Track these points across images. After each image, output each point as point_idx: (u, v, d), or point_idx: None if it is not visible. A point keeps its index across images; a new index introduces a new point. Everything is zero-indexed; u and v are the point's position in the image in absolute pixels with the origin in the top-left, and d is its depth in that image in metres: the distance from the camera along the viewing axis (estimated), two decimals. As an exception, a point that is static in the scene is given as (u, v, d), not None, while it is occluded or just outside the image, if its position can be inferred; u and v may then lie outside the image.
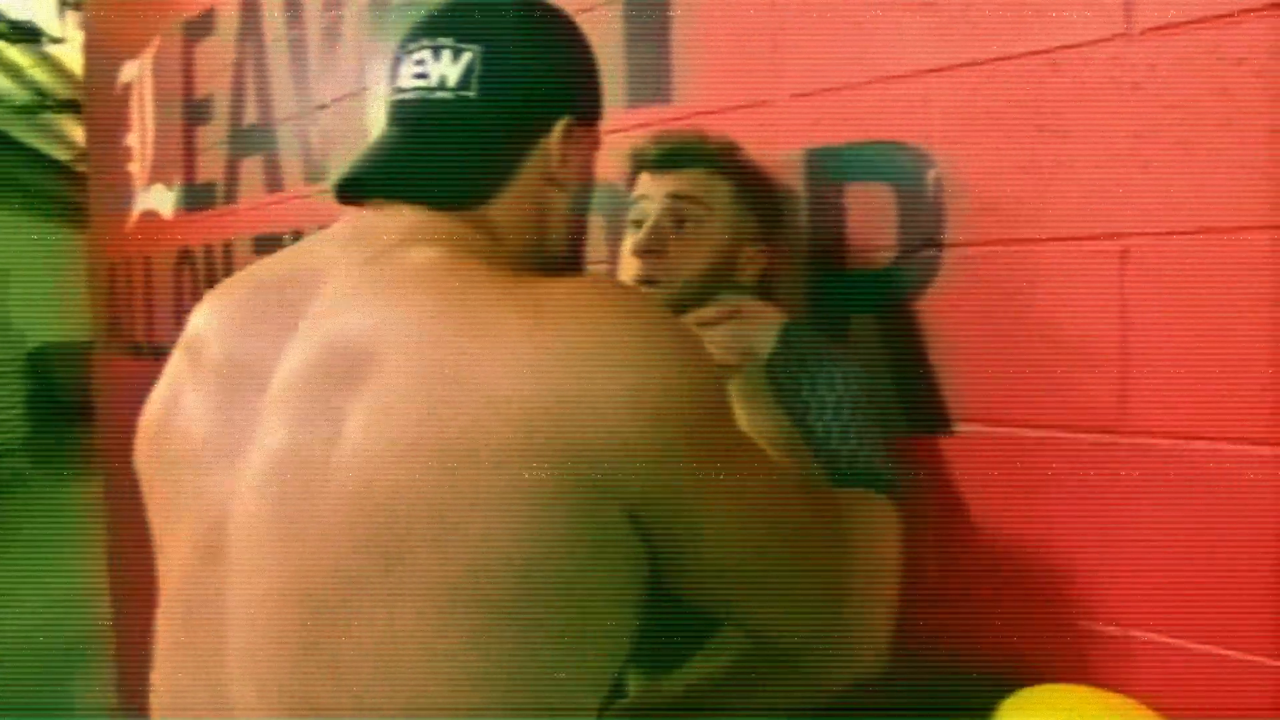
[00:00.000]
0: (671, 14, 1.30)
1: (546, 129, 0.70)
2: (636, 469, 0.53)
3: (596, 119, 0.79)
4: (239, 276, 0.72)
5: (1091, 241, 0.92)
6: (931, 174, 1.02)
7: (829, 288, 1.13)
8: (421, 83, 0.68)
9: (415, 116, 0.69)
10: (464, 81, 0.67)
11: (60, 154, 7.37)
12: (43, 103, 6.41)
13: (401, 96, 0.70)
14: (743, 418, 0.82)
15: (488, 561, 0.50)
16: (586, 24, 0.77)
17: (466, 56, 0.67)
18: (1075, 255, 0.93)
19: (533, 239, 0.71)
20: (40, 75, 6.18)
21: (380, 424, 0.52)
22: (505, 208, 0.69)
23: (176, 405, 0.66)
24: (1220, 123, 0.85)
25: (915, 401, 1.05)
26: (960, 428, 1.02)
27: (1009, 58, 0.97)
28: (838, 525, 0.70)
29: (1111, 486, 0.92)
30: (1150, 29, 0.88)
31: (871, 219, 1.08)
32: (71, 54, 5.00)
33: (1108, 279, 0.91)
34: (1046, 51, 0.95)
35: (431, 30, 0.69)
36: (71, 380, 4.99)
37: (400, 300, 0.57)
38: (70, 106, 6.16)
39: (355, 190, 0.70)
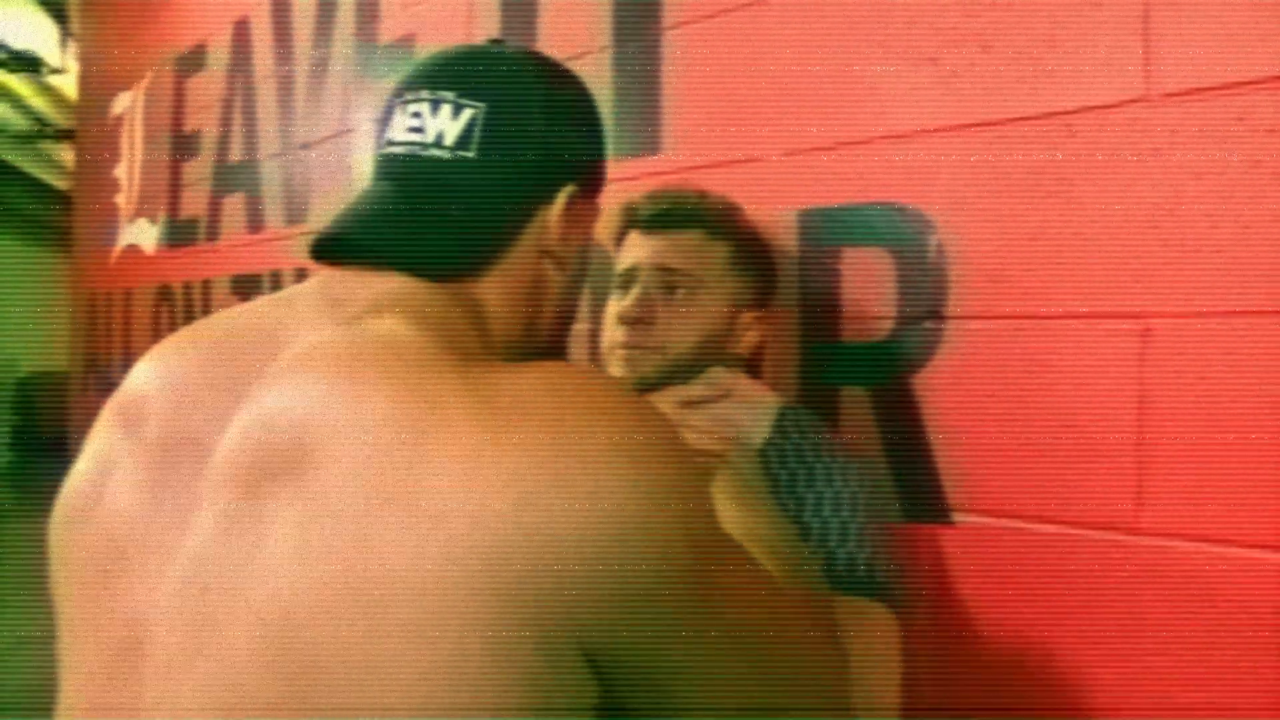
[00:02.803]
0: (662, 65, 1.25)
1: (549, 198, 0.64)
2: (606, 612, 0.45)
3: (599, 190, 0.72)
4: (193, 329, 0.63)
5: (1109, 320, 0.85)
6: (934, 239, 0.96)
7: (820, 359, 1.07)
8: (416, 137, 0.62)
9: (405, 173, 0.62)
10: (463, 140, 0.61)
11: (59, 182, 7.43)
12: (42, 131, 6.48)
13: (392, 150, 0.63)
14: (730, 515, 0.73)
15: (410, 703, 0.44)
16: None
17: (468, 113, 0.61)
18: (1091, 334, 0.86)
19: (521, 322, 0.64)
20: (40, 104, 6.25)
21: (305, 538, 0.46)
22: (495, 284, 0.62)
23: (104, 486, 0.58)
24: (1250, 196, 0.78)
25: (910, 487, 0.98)
26: (959, 518, 0.95)
27: (1020, 119, 0.92)
28: (838, 644, 0.61)
29: (1120, 592, 0.84)
30: (1172, 93, 0.82)
31: (868, 286, 1.02)
32: (71, 84, 5.07)
33: (1126, 361, 0.84)
34: (1061, 114, 0.89)
35: (432, 80, 0.63)
36: (54, 412, 4.89)
37: (350, 384, 0.49)
38: (69, 135, 6.21)
39: (333, 248, 0.62)
